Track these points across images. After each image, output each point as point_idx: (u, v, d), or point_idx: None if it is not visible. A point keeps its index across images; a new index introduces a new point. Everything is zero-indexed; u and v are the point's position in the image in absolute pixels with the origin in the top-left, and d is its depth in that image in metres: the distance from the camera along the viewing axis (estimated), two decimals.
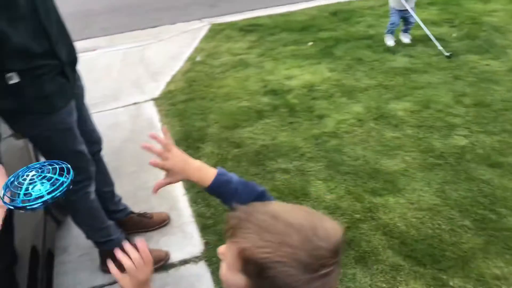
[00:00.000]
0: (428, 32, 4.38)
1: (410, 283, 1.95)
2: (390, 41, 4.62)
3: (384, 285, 1.97)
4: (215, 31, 5.44)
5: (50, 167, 1.01)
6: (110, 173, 2.26)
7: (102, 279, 2.09)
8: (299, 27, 5.35)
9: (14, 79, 1.50)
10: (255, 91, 3.87)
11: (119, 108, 3.86)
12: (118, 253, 0.94)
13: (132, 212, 2.35)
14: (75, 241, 2.33)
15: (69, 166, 1.00)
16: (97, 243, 2.06)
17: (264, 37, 5.13)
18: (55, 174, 0.99)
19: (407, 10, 4.32)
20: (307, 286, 0.70)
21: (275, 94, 3.82)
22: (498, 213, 2.29)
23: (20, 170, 0.99)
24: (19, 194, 0.95)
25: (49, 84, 1.59)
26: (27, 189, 0.95)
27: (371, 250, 2.15)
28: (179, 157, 1.03)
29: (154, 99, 3.90)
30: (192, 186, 2.71)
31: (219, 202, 2.54)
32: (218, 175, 1.04)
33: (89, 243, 2.11)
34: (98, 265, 2.15)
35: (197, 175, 1.04)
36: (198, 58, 4.69)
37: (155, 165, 1.00)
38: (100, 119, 3.64)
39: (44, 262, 1.82)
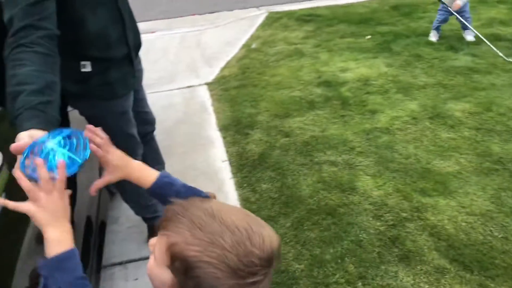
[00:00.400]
0: (480, 36, 4.17)
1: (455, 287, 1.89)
2: (433, 37, 4.51)
3: (427, 286, 1.92)
4: (272, 19, 5.44)
5: (69, 140, 0.91)
6: (161, 152, 2.35)
7: (148, 251, 2.19)
8: (358, 19, 5.25)
9: (87, 68, 1.57)
10: (308, 82, 3.85)
11: (174, 90, 3.98)
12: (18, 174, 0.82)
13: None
14: (126, 213, 2.44)
15: (87, 141, 0.92)
16: (145, 219, 2.16)
17: (321, 27, 5.07)
18: (71, 149, 0.90)
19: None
20: None
21: (329, 85, 3.78)
22: None
23: (40, 139, 0.89)
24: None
25: (115, 72, 1.66)
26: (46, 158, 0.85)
27: (416, 250, 2.10)
28: (119, 154, 0.98)
29: (208, 84, 3.98)
30: (239, 171, 2.76)
31: (265, 188, 2.59)
32: (161, 176, 0.99)
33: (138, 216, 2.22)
34: (145, 237, 2.26)
35: (137, 174, 0.99)
36: (253, 46, 4.73)
37: (96, 152, 0.93)
38: (155, 100, 3.79)
39: (97, 230, 1.94)
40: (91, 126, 0.94)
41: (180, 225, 0.70)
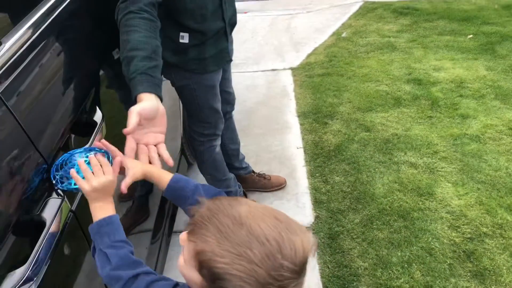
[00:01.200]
0: None
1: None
2: None
3: None
4: (367, 9, 5.25)
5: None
6: (238, 132, 2.40)
7: None
8: (460, 16, 4.88)
9: (185, 39, 1.65)
10: (397, 77, 3.68)
11: (258, 72, 4.03)
12: (79, 161, 0.97)
13: (253, 171, 2.49)
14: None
15: (110, 156, 1.03)
16: None
17: (418, 22, 4.80)
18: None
19: None
20: None
21: (419, 83, 3.59)
22: None
23: (68, 154, 1.01)
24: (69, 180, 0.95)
25: (210, 48, 1.73)
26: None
27: (493, 269, 1.96)
28: (134, 160, 1.07)
29: (292, 69, 3.97)
30: (313, 159, 2.75)
31: (338, 181, 2.55)
32: (172, 181, 1.03)
33: None
34: None
35: (156, 175, 1.05)
36: (344, 34, 4.61)
37: (117, 162, 1.02)
38: (239, 79, 3.88)
39: None
40: (102, 142, 1.06)
41: (207, 233, 0.68)
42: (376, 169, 2.64)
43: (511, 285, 1.88)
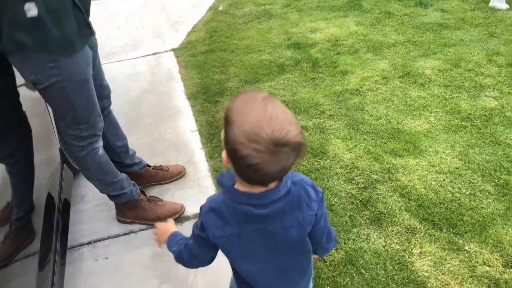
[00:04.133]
0: None
1: (425, 246, 1.93)
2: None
3: (398, 246, 1.95)
4: None
5: None
6: (126, 125, 2.24)
7: (118, 229, 2.14)
8: None
9: (32, 11, 1.42)
10: (278, 44, 3.75)
11: (139, 58, 3.82)
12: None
13: (147, 165, 2.36)
14: (93, 190, 2.36)
15: None
16: (111, 197, 2.07)
17: None
18: None
19: None
20: (241, 146, 0.85)
21: (298, 47, 3.70)
22: None
23: None
24: None
25: (67, 23, 1.53)
26: None
27: (387, 212, 2.12)
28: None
29: (174, 50, 3.83)
30: (209, 141, 2.70)
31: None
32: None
33: None
34: (114, 215, 2.20)
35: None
36: (220, 8, 4.55)
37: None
38: (118, 69, 3.63)
39: (60, 210, 1.86)
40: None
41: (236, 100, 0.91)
42: None
43: (404, 223, 2.05)
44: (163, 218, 1.99)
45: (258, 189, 0.96)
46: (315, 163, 2.45)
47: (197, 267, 1.19)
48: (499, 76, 3.04)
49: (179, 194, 2.32)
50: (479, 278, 1.79)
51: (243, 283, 1.14)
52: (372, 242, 1.97)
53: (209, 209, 1.04)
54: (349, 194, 2.23)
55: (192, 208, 2.19)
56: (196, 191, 2.36)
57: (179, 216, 2.14)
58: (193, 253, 1.14)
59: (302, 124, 2.77)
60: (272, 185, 0.97)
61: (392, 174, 2.32)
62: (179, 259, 1.20)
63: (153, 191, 2.32)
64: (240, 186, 0.97)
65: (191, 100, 3.12)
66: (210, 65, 3.49)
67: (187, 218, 2.16)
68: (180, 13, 4.55)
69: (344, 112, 2.85)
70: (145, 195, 2.17)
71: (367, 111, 2.84)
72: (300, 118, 2.82)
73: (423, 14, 4.07)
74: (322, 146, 2.57)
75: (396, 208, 2.13)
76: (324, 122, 2.78)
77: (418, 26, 3.86)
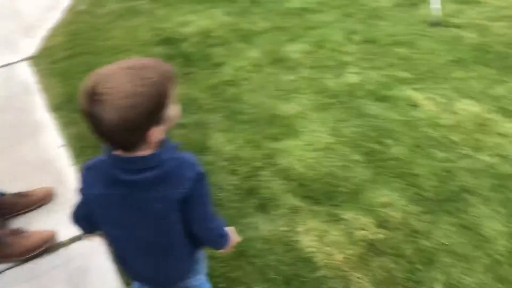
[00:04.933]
0: None
1: (308, 223, 2.02)
2: None
3: (285, 228, 2.02)
4: None
5: None
6: None
7: None
8: None
9: None
10: (147, 42, 3.61)
11: None
12: None
13: (3, 194, 2.08)
14: None
15: None
16: None
17: None
18: None
19: None
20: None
21: (169, 43, 3.60)
22: (385, 144, 2.44)
23: None
24: None
25: None
26: None
27: (272, 196, 2.18)
28: None
29: (30, 58, 3.45)
30: (81, 154, 2.49)
31: None
32: None
33: None
34: None
35: None
36: (80, 7, 4.22)
37: None
38: None
39: None
40: None
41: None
42: None
43: (288, 204, 2.13)
44: (32, 251, 1.80)
45: (126, 154, 0.98)
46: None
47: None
48: (358, 53, 3.30)
49: (50, 220, 2.09)
50: (357, 242, 1.93)
51: (112, 249, 1.19)
52: (261, 230, 2.02)
53: (86, 166, 1.08)
54: (234, 186, 2.25)
55: (66, 232, 1.98)
56: (68, 212, 2.16)
57: (50, 245, 1.93)
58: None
59: (181, 121, 2.70)
60: (142, 152, 0.98)
61: (273, 159, 2.39)
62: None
63: (18, 222, 2.06)
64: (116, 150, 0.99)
65: (55, 112, 2.84)
66: (74, 71, 3.22)
67: (62, 245, 1.97)
68: (33, 17, 4.12)
69: (222, 104, 2.86)
70: (5, 227, 1.92)
71: (244, 100, 2.88)
72: None
73: (288, 0, 4.24)
74: (203, 142, 2.55)
75: (279, 191, 2.20)
76: (203, 117, 2.75)
77: (284, 12, 4.00)
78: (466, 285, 1.75)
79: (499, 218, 2.01)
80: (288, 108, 2.76)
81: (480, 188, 2.16)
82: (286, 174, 2.29)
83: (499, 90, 2.85)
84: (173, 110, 1.00)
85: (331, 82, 2.99)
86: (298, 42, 3.48)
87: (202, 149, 2.48)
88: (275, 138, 2.53)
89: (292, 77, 3.06)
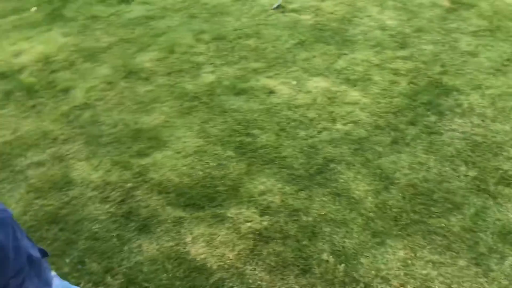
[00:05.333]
0: None
1: (194, 231, 1.98)
2: None
3: (172, 242, 1.95)
4: None
5: None
6: None
7: None
8: None
9: None
10: None
11: None
12: None
13: None
14: None
15: None
16: None
17: None
18: None
19: None
20: None
21: (5, 77, 3.22)
22: (253, 135, 2.50)
23: None
24: None
25: None
26: None
27: (152, 214, 2.08)
28: None
29: None
30: None
31: None
32: None
33: None
34: None
35: None
36: None
37: None
38: None
39: None
40: None
41: None
42: (3, 190, 2.27)
43: (170, 218, 2.05)
44: None
45: None
46: (64, 197, 2.20)
47: None
48: (210, 52, 3.33)
49: None
50: (246, 236, 1.95)
51: None
52: (146, 251, 1.91)
53: None
54: (109, 214, 2.09)
55: None
56: None
57: None
58: None
59: (36, 160, 2.44)
60: None
61: (145, 176, 2.29)
62: None
63: None
64: None
65: None
66: None
67: None
68: None
69: (78, 131, 2.64)
70: None
71: (102, 121, 2.70)
72: (30, 154, 2.47)
73: (128, 10, 4.09)
74: (66, 175, 2.32)
75: (159, 206, 2.12)
76: (60, 149, 2.51)
77: (126, 23, 3.86)
78: (350, 247, 1.88)
79: (363, 178, 2.20)
80: (150, 120, 2.67)
81: (342, 155, 2.35)
82: (162, 188, 2.21)
83: (341, 63, 3.13)
84: None
85: (189, 85, 2.97)
86: (148, 51, 3.39)
87: (66, 184, 2.26)
88: (144, 154, 2.43)
89: (149, 88, 2.96)
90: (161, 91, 2.93)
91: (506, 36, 3.22)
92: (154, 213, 2.09)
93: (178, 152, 2.42)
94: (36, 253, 1.04)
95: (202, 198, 2.14)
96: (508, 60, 2.96)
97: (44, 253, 1.11)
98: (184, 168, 2.32)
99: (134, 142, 2.52)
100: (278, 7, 3.80)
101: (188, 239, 1.95)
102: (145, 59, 3.29)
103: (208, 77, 3.03)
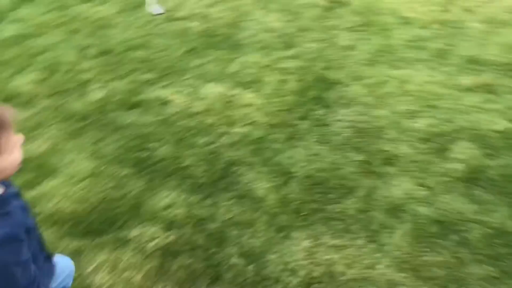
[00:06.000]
0: None
1: (96, 259, 1.86)
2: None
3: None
4: None
5: None
6: None
7: None
8: None
9: None
10: None
11: None
12: None
13: None
14: None
15: None
16: None
17: None
18: None
19: None
20: None
21: None
22: (150, 149, 2.43)
23: None
24: None
25: None
26: None
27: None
28: None
29: None
30: None
31: None
32: None
33: None
34: None
35: None
36: None
37: None
38: None
39: None
40: None
41: None
42: None
43: (66, 252, 1.91)
44: None
45: None
46: None
47: None
48: (97, 67, 3.17)
49: None
50: (152, 254, 1.89)
51: None
52: None
53: None
54: None
55: None
56: None
57: None
58: None
59: None
60: None
61: (36, 208, 2.09)
62: None
63: None
64: None
65: None
66: None
67: None
68: None
69: None
70: None
71: None
72: None
73: (0, 29, 3.74)
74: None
75: (54, 239, 1.96)
76: None
77: None
78: (257, 247, 1.91)
79: (264, 177, 2.26)
80: (35, 147, 2.46)
81: (243, 157, 2.38)
82: (56, 219, 2.05)
83: (233, 66, 3.18)
84: (5, 160, 0.94)
85: (77, 104, 2.79)
86: (27, 73, 3.13)
87: None
88: (31, 185, 2.23)
89: (30, 112, 2.73)
90: (45, 114, 2.72)
91: (378, 30, 3.53)
92: (50, 247, 1.92)
93: (71, 178, 2.26)
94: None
95: (101, 223, 2.03)
96: (380, 51, 3.24)
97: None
98: (79, 193, 2.18)
99: (20, 173, 2.28)
100: (161, 13, 3.75)
101: (90, 269, 1.83)
102: (24, 82, 3.02)
103: (96, 94, 2.88)
